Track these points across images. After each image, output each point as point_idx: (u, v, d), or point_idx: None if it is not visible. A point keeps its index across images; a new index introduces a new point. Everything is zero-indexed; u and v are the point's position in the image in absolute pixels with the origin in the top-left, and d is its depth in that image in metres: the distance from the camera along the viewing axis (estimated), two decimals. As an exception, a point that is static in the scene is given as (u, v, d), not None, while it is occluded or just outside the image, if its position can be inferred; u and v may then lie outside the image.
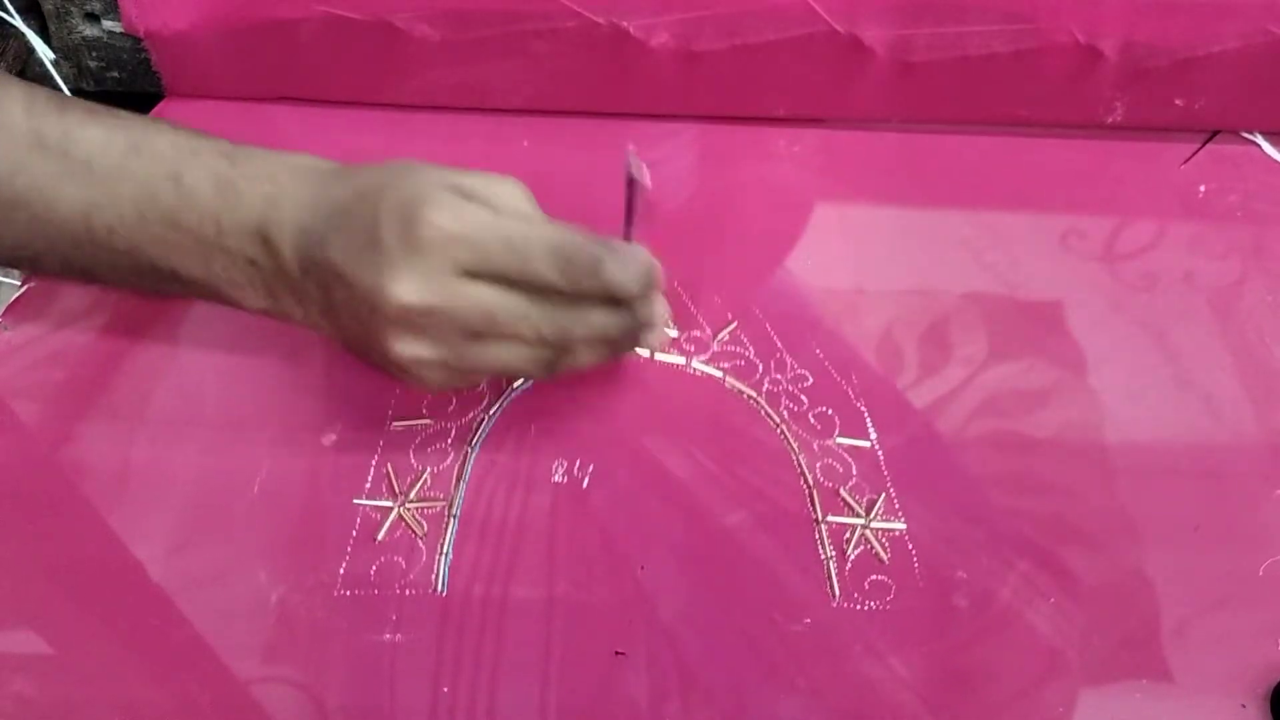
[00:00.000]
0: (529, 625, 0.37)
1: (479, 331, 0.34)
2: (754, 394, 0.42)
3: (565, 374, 0.36)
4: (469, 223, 0.33)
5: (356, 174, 0.36)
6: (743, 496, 0.40)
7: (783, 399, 0.42)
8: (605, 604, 0.38)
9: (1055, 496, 0.40)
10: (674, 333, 0.43)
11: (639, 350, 0.40)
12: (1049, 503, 0.40)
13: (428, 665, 0.36)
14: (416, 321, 0.33)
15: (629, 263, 0.34)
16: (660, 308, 0.37)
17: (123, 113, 0.37)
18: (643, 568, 0.38)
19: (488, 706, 0.36)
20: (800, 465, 0.40)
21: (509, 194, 0.36)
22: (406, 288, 0.33)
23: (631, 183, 0.33)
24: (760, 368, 0.43)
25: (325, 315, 0.36)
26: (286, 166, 0.36)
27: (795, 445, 0.41)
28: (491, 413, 0.41)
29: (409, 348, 0.34)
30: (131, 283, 0.38)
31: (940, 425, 0.42)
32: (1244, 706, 0.36)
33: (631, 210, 0.34)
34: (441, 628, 0.37)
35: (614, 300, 0.34)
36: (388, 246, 0.33)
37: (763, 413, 0.42)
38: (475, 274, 0.33)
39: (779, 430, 0.41)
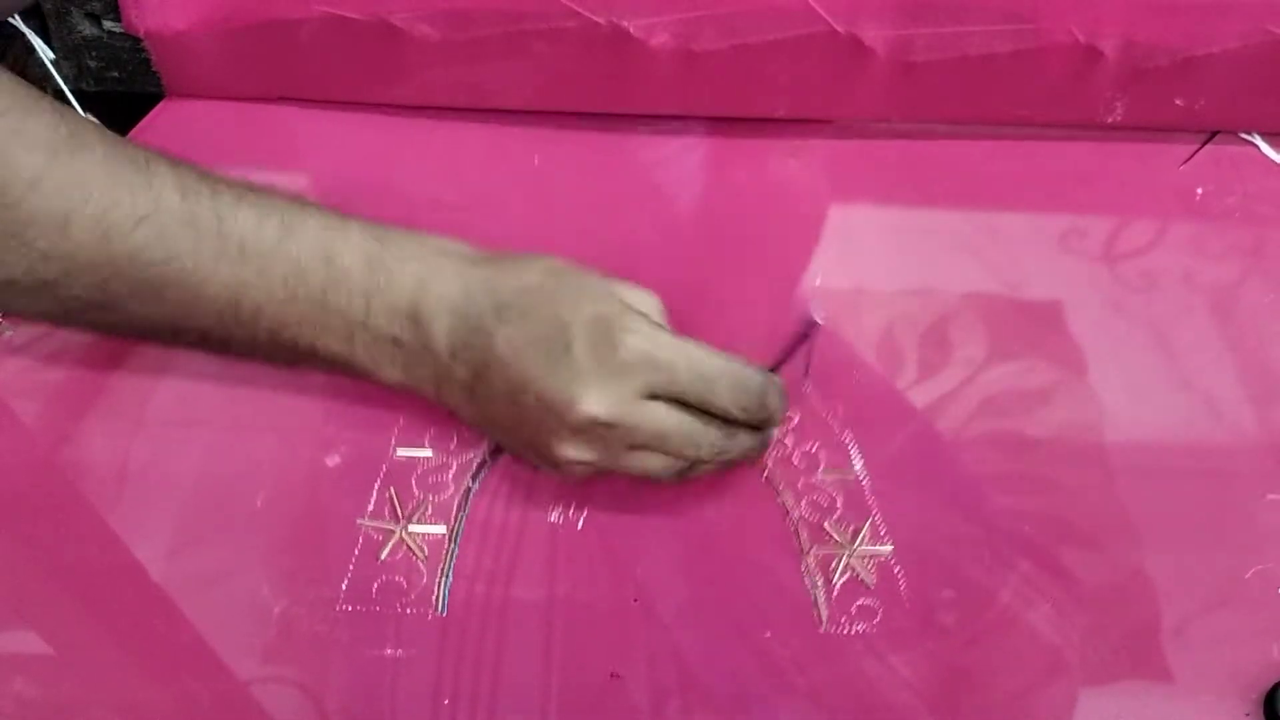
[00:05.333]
0: (528, 643, 0.37)
1: (645, 446, 0.36)
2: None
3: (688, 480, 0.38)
4: (663, 348, 0.35)
5: (514, 268, 0.37)
6: (732, 532, 0.40)
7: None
8: (604, 624, 0.38)
9: (1055, 496, 0.40)
10: None
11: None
12: (1049, 503, 0.40)
13: (428, 679, 0.36)
14: (594, 433, 0.35)
15: (783, 396, 0.38)
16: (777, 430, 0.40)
17: (267, 191, 0.37)
18: (635, 600, 0.38)
19: None
20: (785, 504, 0.40)
21: (655, 310, 0.38)
22: (597, 403, 0.35)
23: (812, 327, 0.37)
24: None
25: (469, 398, 0.37)
26: (433, 248, 0.38)
27: (781, 486, 0.41)
28: (493, 456, 0.41)
29: (575, 452, 0.36)
30: (266, 357, 0.39)
31: (940, 425, 0.42)
32: (1248, 715, 0.36)
33: (796, 349, 0.38)
34: (442, 645, 0.37)
35: (759, 424, 0.37)
36: (581, 360, 0.35)
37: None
38: (658, 396, 0.36)
39: (764, 473, 0.41)
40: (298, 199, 0.38)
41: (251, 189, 0.37)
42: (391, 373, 0.38)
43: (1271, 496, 0.41)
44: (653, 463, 0.37)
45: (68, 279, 0.34)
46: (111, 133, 0.36)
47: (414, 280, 0.36)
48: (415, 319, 0.36)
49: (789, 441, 0.42)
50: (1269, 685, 0.36)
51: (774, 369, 0.38)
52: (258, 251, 0.36)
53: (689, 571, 0.39)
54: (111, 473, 0.40)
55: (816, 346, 0.38)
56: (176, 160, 0.36)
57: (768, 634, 0.37)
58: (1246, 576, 0.39)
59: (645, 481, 0.38)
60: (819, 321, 0.37)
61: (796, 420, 0.42)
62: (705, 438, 0.36)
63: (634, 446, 0.36)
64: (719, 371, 0.36)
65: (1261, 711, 0.36)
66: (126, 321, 0.37)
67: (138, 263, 0.35)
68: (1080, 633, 0.37)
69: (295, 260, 0.36)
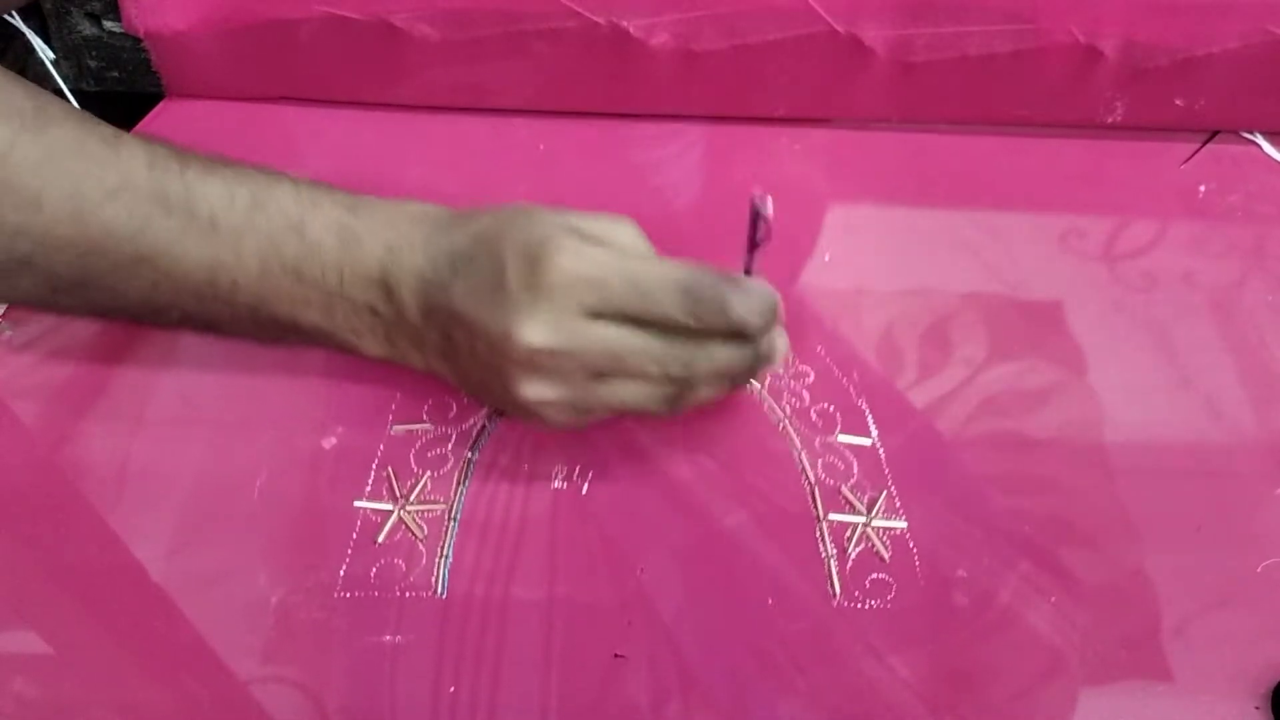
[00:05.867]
0: (529, 626, 0.37)
1: (605, 371, 0.35)
2: (758, 386, 0.42)
3: (687, 409, 0.37)
4: (593, 264, 0.33)
5: (473, 219, 0.36)
6: (743, 495, 0.40)
7: (784, 394, 0.42)
8: (605, 605, 0.38)
9: (1055, 496, 0.40)
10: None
11: (752, 383, 0.40)
12: (1049, 503, 0.40)
13: (428, 666, 0.36)
14: (543, 364, 0.34)
15: (753, 298, 0.34)
16: (780, 340, 0.37)
17: (240, 164, 0.37)
18: (642, 570, 0.38)
19: (488, 707, 0.36)
20: (802, 462, 0.40)
21: (626, 234, 0.36)
22: (533, 331, 0.33)
23: (756, 217, 0.34)
24: None
25: (445, 359, 0.37)
26: (405, 214, 0.37)
27: (797, 441, 0.41)
28: (492, 419, 0.41)
29: (535, 389, 0.35)
30: (251, 333, 0.39)
31: (940, 425, 0.42)
32: (1257, 709, 0.36)
33: (754, 244, 0.35)
34: (442, 629, 0.37)
35: (737, 334, 0.34)
36: (513, 290, 0.33)
37: (766, 407, 0.42)
38: (600, 314, 0.34)
39: (781, 425, 0.41)
40: (269, 170, 0.37)
41: (223, 162, 0.37)
42: (375, 344, 0.38)
43: (1274, 495, 0.41)
44: (629, 391, 0.35)
45: (45, 255, 0.34)
46: (80, 109, 0.36)
47: (383, 248, 0.36)
48: (386, 287, 0.36)
49: (806, 395, 0.42)
50: (1271, 685, 0.36)
51: (747, 273, 0.35)
52: (229, 225, 0.35)
53: (697, 544, 0.39)
54: (111, 473, 0.40)
55: (763, 235, 0.34)
56: (148, 137, 0.36)
57: (768, 635, 0.37)
58: (1247, 576, 0.39)
59: (647, 420, 0.36)
60: (761, 207, 0.34)
61: (812, 377, 0.42)
62: (668, 353, 0.34)
63: (596, 375, 0.35)
64: (658, 280, 0.33)
65: (1268, 706, 0.36)
66: (110, 301, 0.37)
67: (111, 238, 0.35)
68: (1080, 633, 0.37)
69: (267, 233, 0.36)
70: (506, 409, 0.38)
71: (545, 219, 0.35)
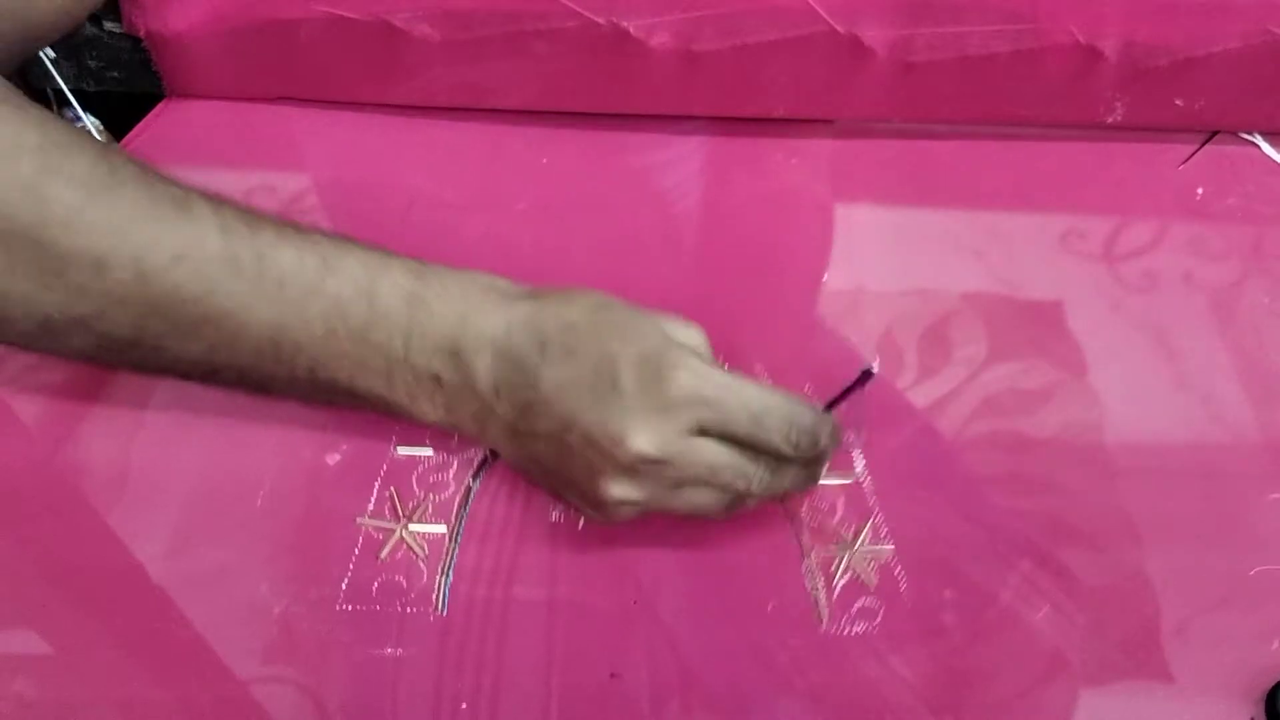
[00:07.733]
0: (529, 643, 0.37)
1: (694, 482, 0.36)
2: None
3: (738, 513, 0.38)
4: (713, 385, 0.35)
5: (555, 303, 0.37)
6: (733, 532, 0.40)
7: None
8: (604, 624, 0.38)
9: (1055, 496, 0.40)
10: None
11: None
12: (1049, 503, 0.40)
13: (429, 679, 0.36)
14: (643, 470, 0.35)
15: (835, 434, 0.37)
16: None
17: (309, 229, 0.37)
18: (635, 601, 0.38)
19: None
20: (787, 508, 0.40)
21: (699, 343, 0.38)
22: (646, 440, 0.34)
23: (866, 375, 0.36)
24: None
25: (511, 436, 0.37)
26: (475, 285, 0.37)
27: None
28: (494, 452, 0.41)
29: (622, 490, 0.35)
30: (304, 395, 0.38)
31: (940, 425, 0.42)
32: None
33: (849, 393, 0.37)
34: (442, 644, 0.37)
35: (808, 460, 0.37)
36: (631, 397, 0.34)
37: None
38: (707, 432, 0.35)
39: None
40: (339, 236, 0.37)
41: (292, 226, 0.37)
42: (431, 411, 0.38)
43: (1273, 496, 0.41)
44: (701, 498, 0.36)
45: (103, 316, 0.34)
46: (152, 168, 0.35)
47: (455, 317, 0.36)
48: (456, 356, 0.36)
49: None
50: (1269, 686, 0.36)
51: (827, 408, 0.38)
52: (298, 289, 0.35)
53: (689, 572, 0.39)
54: (111, 473, 0.40)
55: (868, 396, 0.37)
56: (216, 197, 0.36)
57: (768, 636, 0.37)
58: (1247, 576, 0.39)
59: (689, 519, 0.37)
60: (874, 370, 0.36)
61: None
62: (755, 472, 0.36)
63: (681, 484, 0.36)
64: (769, 408, 0.35)
65: (1264, 712, 0.36)
66: (163, 360, 0.36)
67: (175, 300, 0.34)
68: (1080, 633, 0.37)
69: (335, 298, 0.36)
70: (570, 497, 0.38)
71: (646, 325, 0.36)
